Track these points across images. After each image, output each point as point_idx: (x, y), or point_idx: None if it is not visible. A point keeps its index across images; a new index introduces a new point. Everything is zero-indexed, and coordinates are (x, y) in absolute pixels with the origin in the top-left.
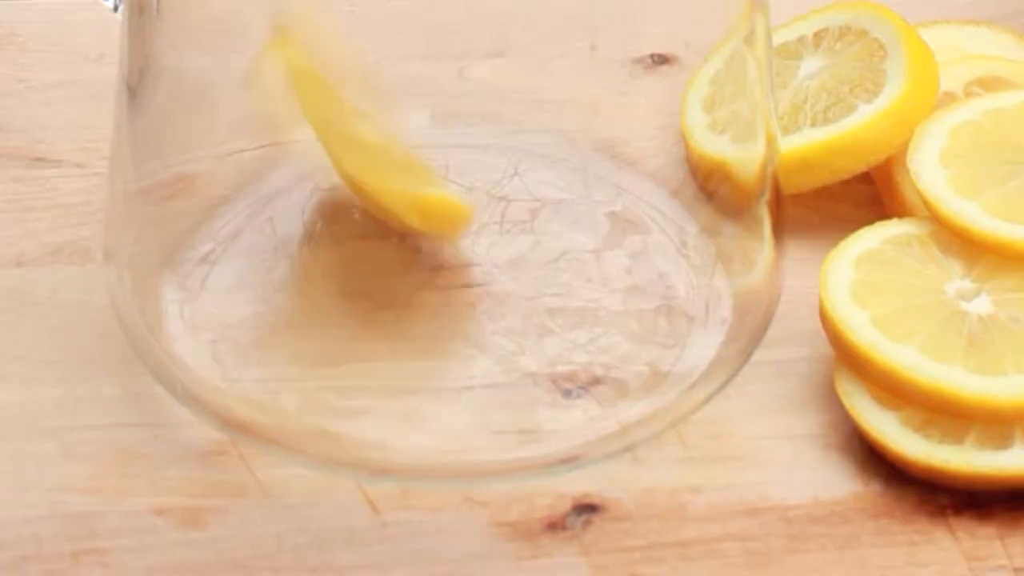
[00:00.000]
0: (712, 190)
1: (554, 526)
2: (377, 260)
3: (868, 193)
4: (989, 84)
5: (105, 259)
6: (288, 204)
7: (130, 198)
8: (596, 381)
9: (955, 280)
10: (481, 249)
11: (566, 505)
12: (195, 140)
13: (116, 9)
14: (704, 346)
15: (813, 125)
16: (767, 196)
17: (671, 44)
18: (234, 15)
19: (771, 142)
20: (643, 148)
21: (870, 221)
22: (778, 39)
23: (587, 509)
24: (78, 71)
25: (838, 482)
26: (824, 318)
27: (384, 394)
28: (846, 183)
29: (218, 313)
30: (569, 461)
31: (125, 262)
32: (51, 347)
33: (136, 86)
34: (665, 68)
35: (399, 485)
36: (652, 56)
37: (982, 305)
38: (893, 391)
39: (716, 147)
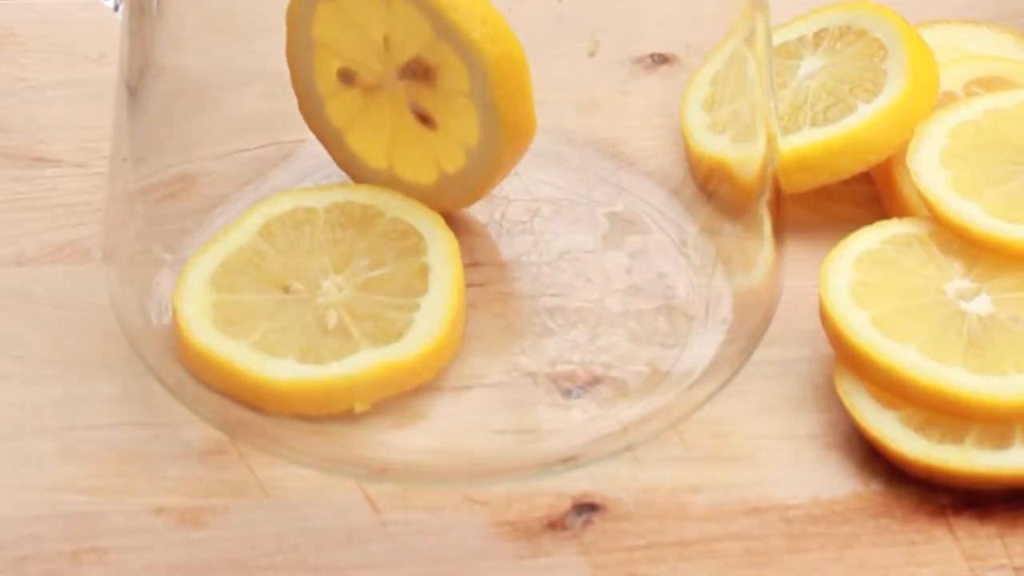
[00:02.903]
0: (712, 190)
1: (554, 526)
2: None
3: (868, 193)
4: (989, 84)
5: (105, 259)
6: None
7: (130, 198)
8: (596, 381)
9: (955, 280)
10: (481, 249)
11: (566, 505)
12: (195, 140)
13: (116, 9)
14: (704, 346)
15: (813, 125)
16: (767, 196)
17: (671, 44)
18: (234, 15)
19: (771, 142)
20: (643, 148)
21: (870, 221)
22: (778, 39)
23: (587, 509)
24: (78, 71)
25: (838, 482)
26: (824, 318)
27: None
28: (846, 183)
29: None
30: (569, 461)
31: (125, 262)
32: (51, 347)
33: (136, 86)
34: (665, 68)
35: (399, 485)
36: (652, 56)
37: (982, 305)
38: (893, 391)
39: (716, 147)
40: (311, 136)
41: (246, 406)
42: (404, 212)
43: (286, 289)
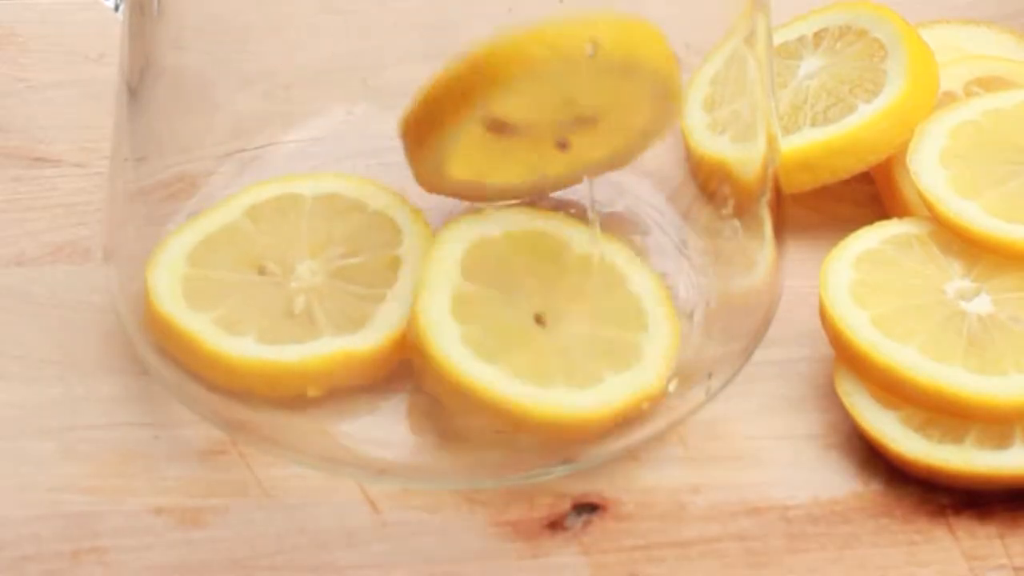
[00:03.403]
0: (712, 190)
1: (554, 526)
2: None
3: (868, 193)
4: (989, 84)
5: (105, 259)
6: None
7: (130, 198)
8: None
9: (955, 280)
10: None
11: (566, 505)
12: (195, 140)
13: (116, 9)
14: (704, 346)
15: (813, 125)
16: (767, 196)
17: (671, 44)
18: (234, 15)
19: (772, 142)
20: None
21: (870, 221)
22: (778, 39)
23: (587, 509)
24: (78, 71)
25: (838, 482)
26: (824, 318)
27: (384, 393)
28: (846, 183)
29: None
30: (569, 461)
31: (125, 262)
32: (51, 347)
33: (136, 86)
34: None
35: (399, 485)
36: None
37: (982, 305)
38: (893, 391)
39: (716, 147)
40: (310, 136)
41: (201, 381)
42: (387, 206)
43: (261, 270)
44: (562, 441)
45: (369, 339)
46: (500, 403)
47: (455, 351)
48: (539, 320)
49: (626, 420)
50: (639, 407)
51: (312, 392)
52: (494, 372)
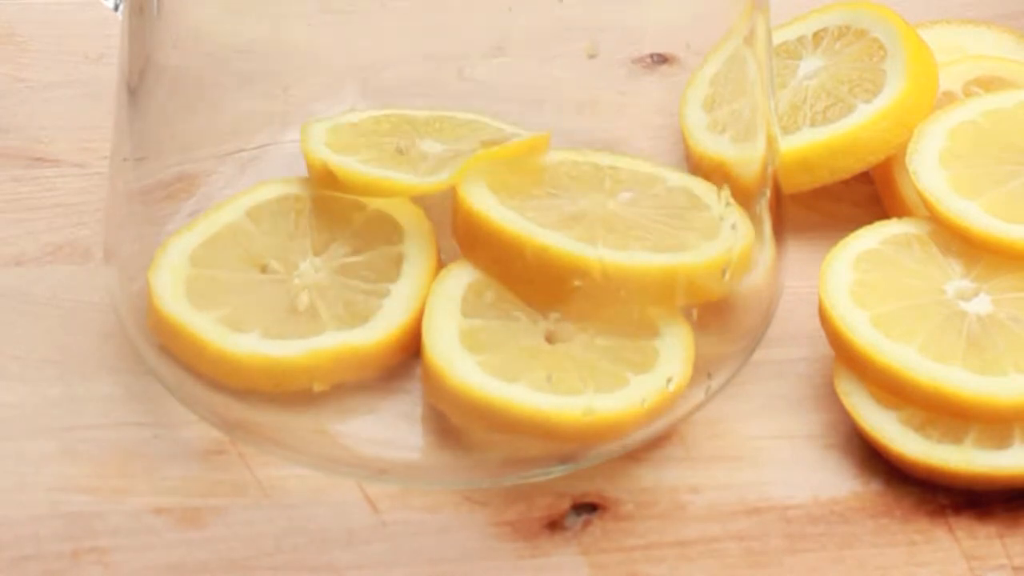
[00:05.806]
0: None
1: (554, 526)
2: None
3: (868, 193)
4: (989, 84)
5: (105, 259)
6: None
7: (130, 198)
8: None
9: (955, 280)
10: None
11: (565, 505)
12: (195, 140)
13: (116, 9)
14: (704, 346)
15: (812, 125)
16: (767, 196)
17: (671, 44)
18: (234, 15)
19: (771, 142)
20: (643, 148)
21: (870, 221)
22: (778, 39)
23: (587, 509)
24: (78, 71)
25: (838, 482)
26: (824, 318)
27: (384, 393)
28: (846, 183)
29: None
30: (569, 461)
31: (125, 262)
32: (51, 347)
33: (136, 86)
34: (665, 68)
35: (399, 485)
36: (652, 56)
37: (982, 305)
38: (893, 391)
39: (716, 147)
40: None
41: (205, 380)
42: (387, 205)
43: (263, 269)
44: (595, 444)
45: (373, 333)
46: (530, 418)
47: (475, 378)
48: (550, 339)
49: (656, 416)
50: (673, 401)
51: (317, 387)
52: (518, 390)
